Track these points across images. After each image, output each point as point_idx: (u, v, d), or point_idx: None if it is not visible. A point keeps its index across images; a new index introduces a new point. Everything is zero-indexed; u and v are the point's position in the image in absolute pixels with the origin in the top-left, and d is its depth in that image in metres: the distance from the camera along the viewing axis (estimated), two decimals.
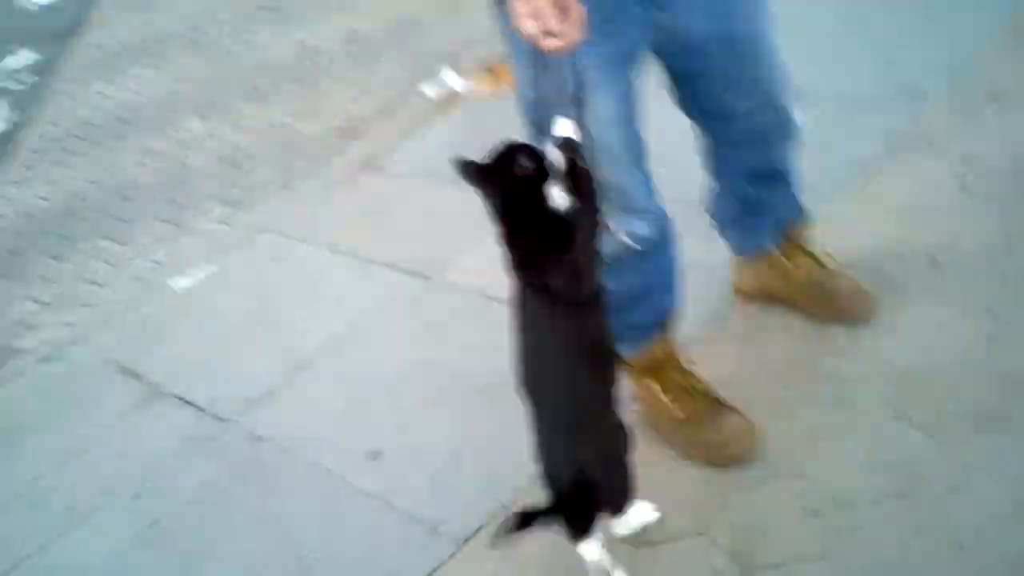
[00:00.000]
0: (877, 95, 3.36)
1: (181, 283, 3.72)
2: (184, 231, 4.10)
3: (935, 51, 3.45)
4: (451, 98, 4.12)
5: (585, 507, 2.04)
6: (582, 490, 2.01)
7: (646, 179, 2.20)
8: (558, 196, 1.91)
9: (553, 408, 2.03)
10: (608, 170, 2.09)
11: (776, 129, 2.38)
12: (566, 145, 1.91)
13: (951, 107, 3.18)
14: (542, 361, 2.02)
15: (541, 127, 1.98)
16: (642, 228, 2.21)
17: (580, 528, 2.04)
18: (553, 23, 1.72)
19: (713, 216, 2.64)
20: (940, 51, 3.45)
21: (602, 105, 2.03)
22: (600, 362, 2.06)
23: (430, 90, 4.32)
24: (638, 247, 2.22)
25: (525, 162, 1.89)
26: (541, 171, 1.90)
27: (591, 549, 2.05)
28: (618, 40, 2.02)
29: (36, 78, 5.92)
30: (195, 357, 3.34)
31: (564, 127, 1.91)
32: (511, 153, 1.91)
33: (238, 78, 5.27)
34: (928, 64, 3.39)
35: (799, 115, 2.38)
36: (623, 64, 2.07)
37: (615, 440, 2.09)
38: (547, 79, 1.94)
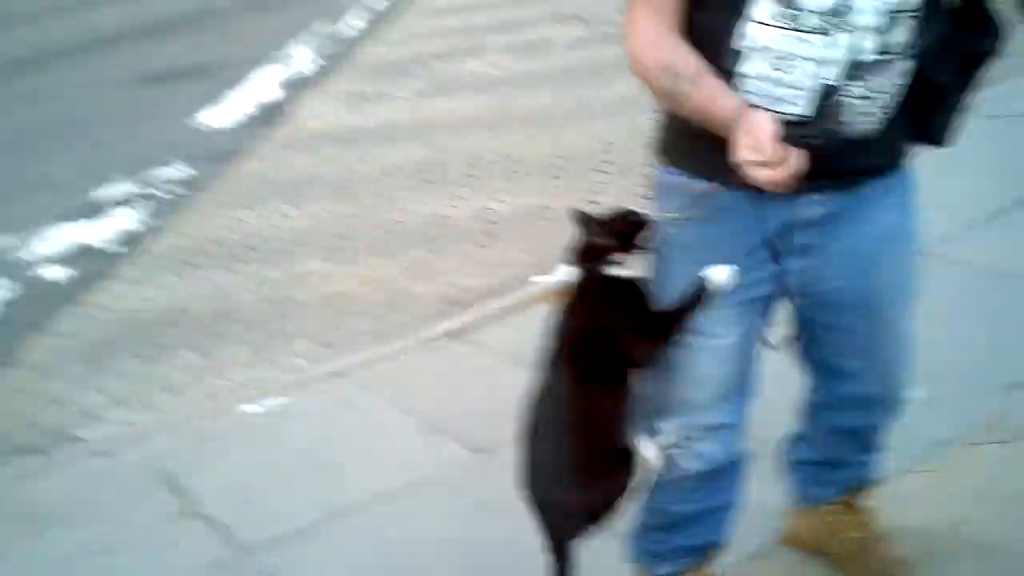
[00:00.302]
0: (982, 383, 3.20)
1: (250, 409, 3.70)
2: (268, 361, 4.12)
3: None
4: (560, 291, 4.11)
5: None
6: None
7: (739, 408, 2.16)
8: (616, 267, 2.03)
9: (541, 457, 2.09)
10: (693, 388, 2.09)
11: (883, 400, 2.30)
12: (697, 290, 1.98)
13: None
14: (543, 412, 2.11)
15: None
16: (712, 451, 2.16)
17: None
18: (770, 154, 1.72)
19: (789, 460, 2.54)
20: None
21: (721, 337, 2.06)
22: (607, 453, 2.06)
23: (542, 280, 4.33)
24: (701, 469, 2.17)
25: (600, 236, 2.04)
26: (626, 242, 2.03)
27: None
28: (748, 290, 2.03)
29: (183, 191, 6.13)
30: (240, 483, 3.30)
31: (719, 273, 1.98)
32: (616, 216, 2.07)
33: (368, 231, 5.36)
34: None
35: (912, 390, 2.30)
36: (750, 310, 2.07)
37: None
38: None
